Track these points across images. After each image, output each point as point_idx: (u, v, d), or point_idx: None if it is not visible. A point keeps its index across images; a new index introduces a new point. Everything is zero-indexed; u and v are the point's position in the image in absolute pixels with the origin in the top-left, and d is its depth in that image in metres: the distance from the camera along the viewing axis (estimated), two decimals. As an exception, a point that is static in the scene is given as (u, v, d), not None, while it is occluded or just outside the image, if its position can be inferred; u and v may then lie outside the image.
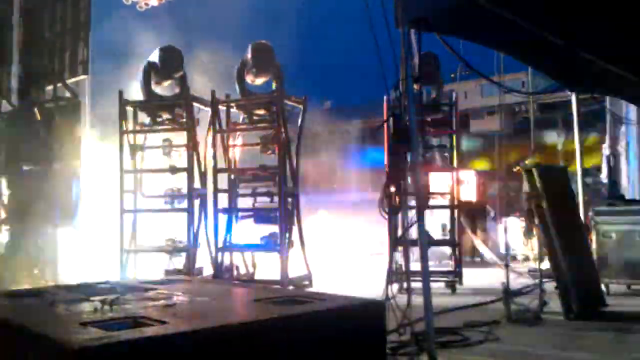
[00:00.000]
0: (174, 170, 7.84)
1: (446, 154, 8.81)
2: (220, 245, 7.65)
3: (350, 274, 9.51)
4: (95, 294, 3.10)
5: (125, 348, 2.05)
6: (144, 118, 8.07)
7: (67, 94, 9.75)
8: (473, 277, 8.69)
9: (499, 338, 5.09)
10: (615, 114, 11.53)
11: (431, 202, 8.32)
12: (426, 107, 8.48)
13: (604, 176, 12.31)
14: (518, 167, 8.53)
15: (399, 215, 6.61)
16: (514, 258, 10.80)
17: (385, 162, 7.60)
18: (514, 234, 11.05)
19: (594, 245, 7.41)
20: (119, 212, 7.73)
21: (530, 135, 14.89)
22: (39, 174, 8.93)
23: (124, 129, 7.87)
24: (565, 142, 16.94)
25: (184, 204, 7.63)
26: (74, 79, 10.58)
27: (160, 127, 8.02)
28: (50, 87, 9.89)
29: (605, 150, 12.38)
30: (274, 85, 7.94)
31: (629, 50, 9.04)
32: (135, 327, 2.36)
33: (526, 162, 10.27)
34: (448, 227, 8.61)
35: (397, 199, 4.94)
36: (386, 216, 5.11)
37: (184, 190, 7.64)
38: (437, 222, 9.93)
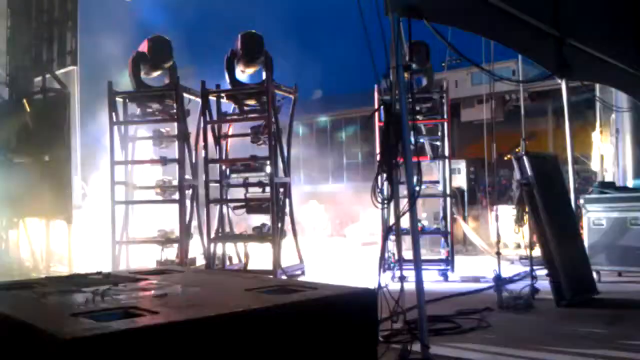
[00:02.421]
0: (165, 161, 7.81)
1: (437, 143, 8.82)
2: (212, 236, 7.64)
3: (343, 263, 9.53)
4: (86, 285, 3.08)
5: (116, 338, 2.03)
6: (133, 109, 8.03)
7: (56, 85, 9.69)
8: (465, 265, 8.73)
9: (491, 325, 5.12)
10: (605, 102, 11.56)
11: (423, 191, 8.32)
12: (417, 96, 8.48)
13: (594, 164, 12.37)
14: (509, 155, 8.55)
15: (391, 204, 6.61)
16: (506, 246, 10.85)
17: (377, 151, 7.60)
18: (506, 222, 11.10)
19: (584, 233, 7.46)
20: (110, 204, 7.69)
21: (521, 123, 14.89)
22: (29, 166, 8.89)
23: (114, 119, 7.82)
24: (555, 130, 16.99)
25: (176, 195, 7.61)
26: (62, 70, 10.51)
27: (150, 118, 7.98)
28: (38, 79, 9.83)
29: (596, 138, 12.43)
30: (264, 75, 7.91)
31: (620, 39, 9.09)
32: (126, 317, 2.35)
33: (517, 150, 10.29)
34: (440, 215, 8.64)
35: (389, 188, 4.95)
36: (379, 205, 5.11)
37: (175, 182, 7.62)
38: (429, 210, 9.95)
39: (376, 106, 8.14)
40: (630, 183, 11.01)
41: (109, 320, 2.26)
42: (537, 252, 6.47)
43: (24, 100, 9.22)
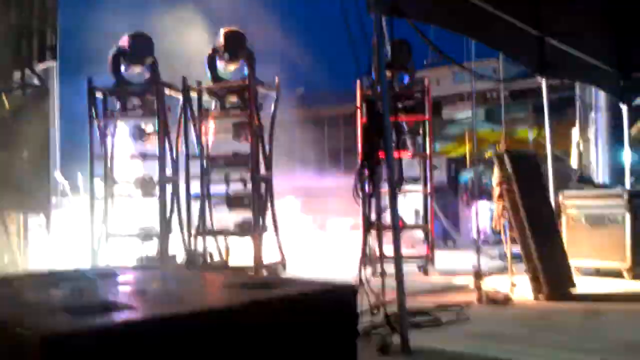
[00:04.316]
0: (145, 156, 7.78)
1: (419, 140, 8.86)
2: (192, 231, 7.62)
3: (325, 258, 9.56)
4: (65, 281, 3.07)
5: (94, 335, 2.03)
6: (113, 104, 7.97)
7: (36, 81, 9.57)
8: (445, 260, 8.80)
9: (470, 319, 5.17)
10: (584, 100, 11.71)
11: (404, 188, 8.37)
12: (399, 94, 8.52)
13: (573, 161, 12.53)
14: (489, 153, 8.64)
15: (373, 200, 6.65)
16: (485, 241, 10.94)
17: (359, 148, 7.63)
18: (485, 218, 11.20)
19: (563, 228, 7.55)
20: (90, 199, 7.64)
21: (502, 121, 15.06)
22: (7, 161, 8.78)
23: (93, 115, 7.76)
24: (535, 128, 17.16)
25: (156, 191, 7.58)
26: (42, 65, 10.38)
27: (130, 114, 7.93)
28: (17, 74, 9.70)
29: (575, 135, 12.59)
30: (246, 72, 7.90)
31: (600, 37, 9.20)
32: (105, 313, 2.35)
33: (497, 147, 10.40)
34: (421, 212, 8.69)
35: (371, 184, 4.98)
36: (360, 201, 5.15)
37: (156, 177, 7.59)
38: (410, 207, 10.01)
39: (358, 103, 8.16)
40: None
41: (88, 317, 2.25)
42: (516, 247, 6.53)
43: (3, 96, 9.10)
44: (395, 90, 8.27)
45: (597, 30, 9.18)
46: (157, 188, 7.57)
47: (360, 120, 7.99)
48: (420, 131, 8.73)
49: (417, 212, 9.60)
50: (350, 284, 2.95)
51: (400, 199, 7.29)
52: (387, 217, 5.07)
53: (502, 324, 5.10)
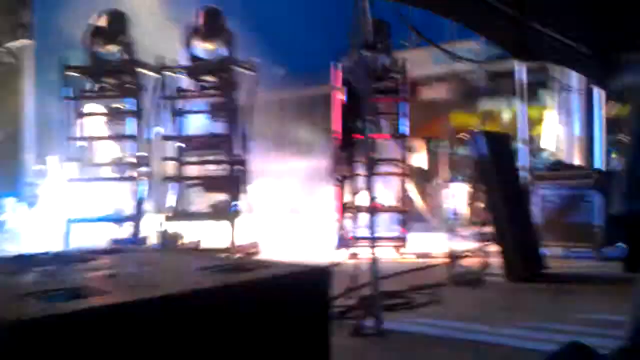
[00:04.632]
0: (120, 137, 7.70)
1: (396, 121, 8.87)
2: (167, 214, 7.58)
3: (300, 241, 9.58)
4: (36, 265, 3.04)
5: (64, 320, 2.02)
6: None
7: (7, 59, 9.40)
8: (420, 242, 8.88)
9: (443, 300, 5.24)
10: (559, 82, 11.80)
11: (380, 169, 8.40)
12: (377, 75, 8.51)
13: (546, 142, 12.66)
14: (465, 134, 8.69)
15: (349, 182, 6.68)
16: (459, 222, 11.05)
17: (336, 129, 7.62)
18: (460, 199, 11.29)
19: (535, 210, 7.65)
20: (64, 181, 7.55)
21: (479, 103, 15.13)
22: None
23: (68, 95, 7.65)
24: (511, 109, 17.28)
25: (131, 172, 7.51)
26: (16, 44, 10.18)
27: (105, 94, 7.82)
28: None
29: (548, 117, 12.71)
30: (224, 51, 7.82)
31: (580, 22, 9.25)
32: (76, 298, 2.33)
33: (473, 129, 10.46)
34: (397, 193, 8.73)
35: (348, 166, 5.00)
36: (336, 182, 5.17)
37: (131, 159, 7.52)
38: (386, 189, 10.05)
39: (337, 84, 8.14)
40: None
41: (58, 301, 2.24)
42: (489, 228, 6.62)
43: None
44: (374, 72, 8.26)
45: (574, 12, 9.23)
46: (132, 169, 7.50)
47: (336, 102, 7.99)
48: (399, 112, 8.75)
49: (393, 194, 9.64)
50: (324, 266, 2.96)
51: (377, 180, 7.32)
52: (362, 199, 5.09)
53: (474, 306, 5.18)
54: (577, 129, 12.04)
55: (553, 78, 11.60)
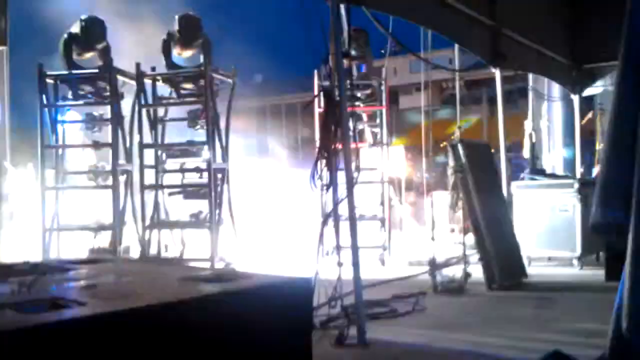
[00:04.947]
0: (97, 145, 7.59)
1: (376, 130, 8.89)
2: (147, 223, 7.48)
3: (282, 250, 9.53)
4: (12, 275, 2.96)
5: (40, 331, 1.96)
6: (65, 91, 7.73)
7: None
8: (401, 250, 8.88)
9: (425, 309, 5.23)
10: (537, 91, 11.93)
11: (361, 178, 8.38)
12: (356, 83, 8.52)
13: (525, 151, 12.77)
14: (444, 143, 8.72)
15: (330, 190, 6.63)
16: (441, 231, 11.08)
17: (316, 137, 7.60)
18: (441, 208, 11.32)
19: (515, 218, 7.69)
20: (40, 190, 7.41)
21: (457, 111, 15.24)
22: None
23: (44, 102, 7.52)
24: (490, 118, 17.43)
25: (109, 181, 7.40)
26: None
27: (82, 101, 7.71)
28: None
29: (527, 126, 12.83)
30: (201, 59, 7.76)
31: (554, 30, 9.38)
32: (53, 309, 2.27)
33: (452, 137, 10.52)
34: (378, 201, 8.72)
35: (328, 174, 4.96)
36: (317, 191, 5.12)
37: (109, 167, 7.41)
38: (367, 197, 10.04)
39: (316, 92, 8.13)
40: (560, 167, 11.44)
41: (35, 313, 2.18)
42: (470, 236, 6.63)
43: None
44: (353, 80, 8.27)
45: (550, 22, 9.36)
46: (110, 178, 7.39)
47: (318, 110, 7.97)
48: (378, 120, 8.76)
49: (374, 202, 9.64)
50: (304, 277, 2.93)
51: (358, 189, 7.31)
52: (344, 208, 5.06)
53: (456, 314, 5.18)
54: (556, 137, 12.18)
55: (532, 87, 11.73)
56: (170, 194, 7.64)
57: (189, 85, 7.75)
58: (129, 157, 7.60)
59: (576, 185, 7.53)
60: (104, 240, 7.31)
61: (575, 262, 7.42)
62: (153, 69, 7.71)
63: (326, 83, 6.64)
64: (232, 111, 7.96)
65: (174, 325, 2.27)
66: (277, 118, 24.76)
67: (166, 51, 7.62)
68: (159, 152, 7.71)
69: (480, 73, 15.74)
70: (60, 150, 7.67)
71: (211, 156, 7.29)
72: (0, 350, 1.88)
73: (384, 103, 8.70)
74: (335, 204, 5.02)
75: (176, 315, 2.29)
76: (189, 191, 7.52)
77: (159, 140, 7.77)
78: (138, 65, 7.57)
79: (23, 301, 2.38)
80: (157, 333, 2.21)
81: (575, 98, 10.60)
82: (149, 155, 7.66)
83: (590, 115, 11.80)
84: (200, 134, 7.55)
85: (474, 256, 6.44)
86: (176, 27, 7.57)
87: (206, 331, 2.38)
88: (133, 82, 7.60)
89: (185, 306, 2.34)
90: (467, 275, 6.31)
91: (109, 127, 7.44)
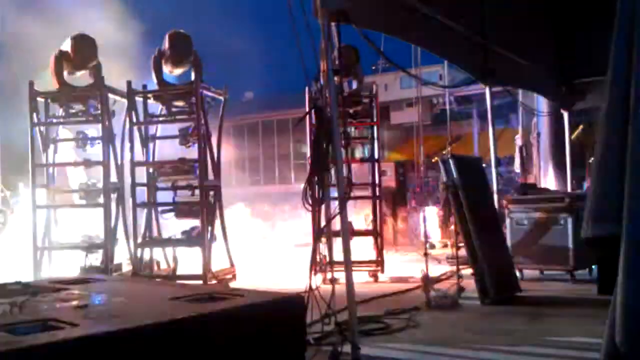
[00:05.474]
0: (89, 163, 7.57)
1: (367, 145, 8.90)
2: (139, 240, 7.45)
3: (275, 266, 9.51)
4: (4, 296, 2.94)
5: (33, 353, 1.95)
6: (56, 110, 7.73)
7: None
8: (395, 266, 8.87)
9: (419, 324, 5.21)
10: (527, 106, 12.02)
11: (353, 193, 8.39)
12: (347, 99, 8.55)
13: (516, 166, 12.84)
14: (436, 158, 8.76)
15: (323, 207, 6.63)
16: (433, 246, 11.10)
17: (308, 154, 7.62)
18: (433, 223, 11.35)
19: (508, 233, 7.70)
20: (31, 208, 7.38)
21: (447, 127, 15.33)
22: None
23: (35, 121, 7.50)
24: (480, 133, 17.54)
25: (101, 199, 7.37)
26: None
27: (74, 119, 7.70)
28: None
29: (518, 141, 12.91)
30: (192, 76, 7.78)
31: (541, 46, 9.48)
32: (45, 330, 2.26)
33: (443, 152, 10.57)
34: (370, 217, 8.72)
35: (321, 191, 4.96)
36: (310, 208, 5.12)
37: (100, 185, 7.39)
38: (359, 212, 10.05)
39: (307, 109, 8.15)
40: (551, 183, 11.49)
41: (27, 334, 2.16)
42: (463, 251, 6.64)
43: None
44: (344, 96, 8.29)
45: (539, 38, 9.45)
46: (102, 196, 7.37)
47: (309, 127, 7.99)
48: (369, 137, 8.79)
49: (366, 218, 9.65)
50: (297, 294, 2.92)
51: (350, 204, 7.32)
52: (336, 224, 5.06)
53: (449, 329, 5.16)
54: (548, 151, 12.25)
55: (520, 102, 11.81)
56: (163, 211, 7.62)
57: (180, 103, 7.77)
58: (120, 175, 7.59)
59: (568, 200, 7.56)
60: (95, 258, 7.27)
61: (568, 276, 7.42)
62: (144, 86, 7.73)
63: (318, 100, 6.67)
64: (224, 128, 7.98)
65: (166, 346, 2.26)
66: (270, 135, 24.76)
67: (157, 69, 7.64)
68: (151, 170, 7.70)
69: (470, 89, 15.85)
70: (51, 169, 7.65)
71: (203, 173, 7.29)
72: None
73: (374, 119, 8.73)
74: (328, 219, 5.02)
75: (168, 335, 2.28)
76: (181, 209, 7.50)
77: (151, 158, 7.77)
78: (129, 83, 7.59)
79: (15, 322, 2.36)
80: (149, 353, 2.20)
81: (565, 113, 10.68)
82: (141, 173, 7.66)
83: (580, 129, 11.87)
84: (191, 152, 7.55)
85: (467, 271, 6.44)
86: (166, 45, 7.59)
87: (199, 350, 2.37)
88: (124, 100, 7.61)
89: (176, 326, 2.32)
90: (460, 289, 6.31)
91: (100, 145, 7.43)
